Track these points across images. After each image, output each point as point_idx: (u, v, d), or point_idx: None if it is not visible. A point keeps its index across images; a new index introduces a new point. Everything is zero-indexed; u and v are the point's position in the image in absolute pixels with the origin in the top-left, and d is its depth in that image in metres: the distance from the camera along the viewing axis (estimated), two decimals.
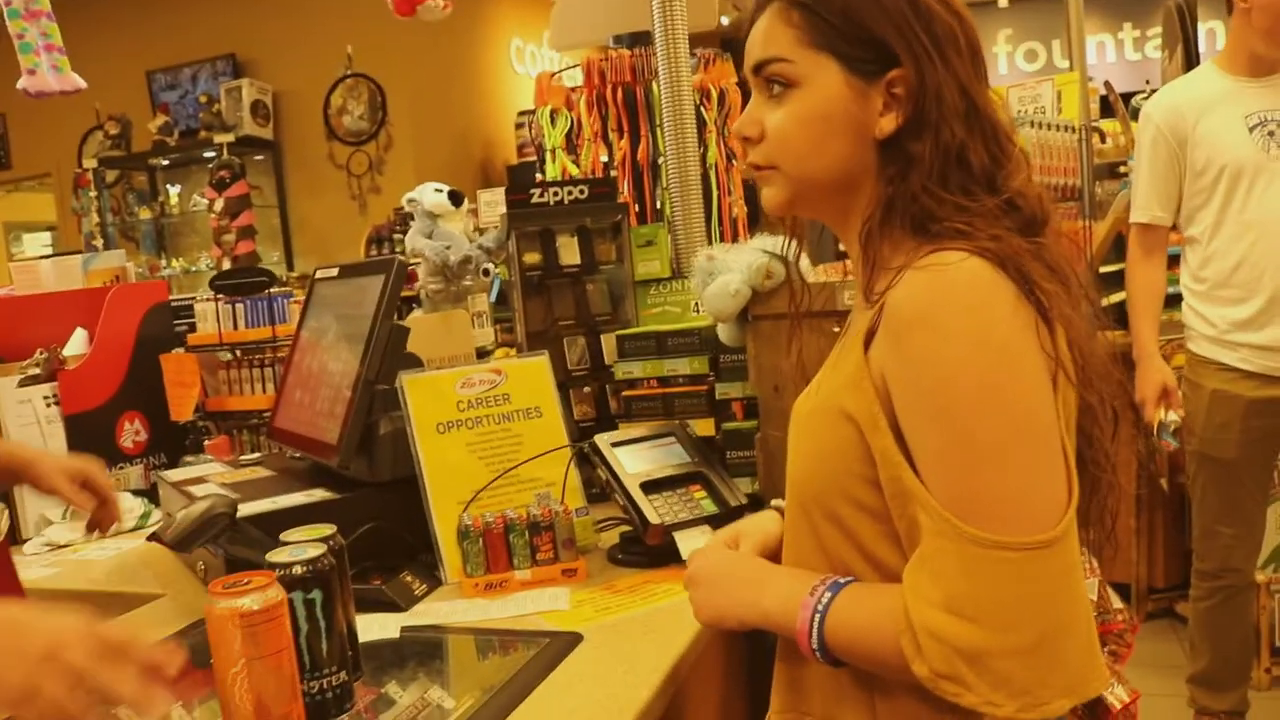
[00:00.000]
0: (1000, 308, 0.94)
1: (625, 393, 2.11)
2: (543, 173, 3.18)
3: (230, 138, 6.84)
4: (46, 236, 9.31)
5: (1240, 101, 2.77)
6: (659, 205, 2.90)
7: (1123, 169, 4.27)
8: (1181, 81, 3.00)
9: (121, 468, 2.50)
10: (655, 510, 1.64)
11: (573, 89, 3.04)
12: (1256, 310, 2.76)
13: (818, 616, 1.03)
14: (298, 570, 1.16)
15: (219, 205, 6.58)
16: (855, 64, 1.04)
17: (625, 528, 1.76)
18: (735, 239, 2.96)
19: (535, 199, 2.26)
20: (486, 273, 2.48)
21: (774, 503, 1.33)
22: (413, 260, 2.50)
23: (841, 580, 1.05)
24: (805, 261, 1.75)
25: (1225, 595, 2.95)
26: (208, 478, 1.95)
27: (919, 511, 0.96)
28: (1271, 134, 2.74)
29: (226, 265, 6.41)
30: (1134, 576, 3.91)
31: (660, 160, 2.82)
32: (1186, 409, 2.92)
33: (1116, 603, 1.34)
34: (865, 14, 1.03)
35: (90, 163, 7.33)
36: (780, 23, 1.08)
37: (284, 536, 1.26)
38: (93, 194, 7.34)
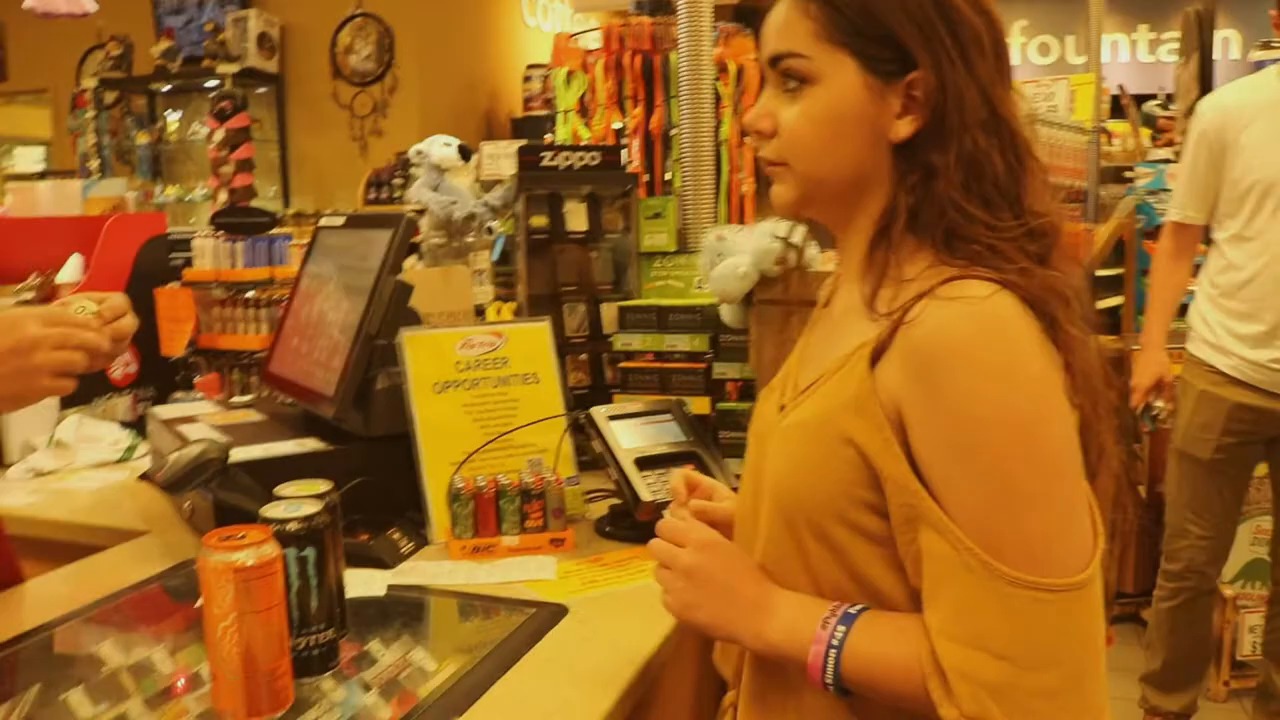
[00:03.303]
0: (1030, 347, 0.93)
1: (622, 364, 2.10)
2: (554, 134, 3.16)
3: (234, 68, 6.75)
4: (40, 153, 9.21)
5: None
6: (668, 177, 2.88)
7: (1128, 174, 4.27)
8: (1241, 83, 2.94)
9: (109, 399, 2.49)
10: (648, 487, 1.64)
11: (590, 52, 3.01)
12: (1260, 331, 2.75)
13: (833, 652, 1.00)
14: (292, 527, 1.16)
15: (219, 136, 6.48)
16: (873, 63, 1.00)
17: (615, 500, 1.76)
18: (742, 217, 2.95)
19: (546, 162, 2.24)
20: (490, 230, 2.46)
21: None
22: (416, 212, 2.48)
23: (852, 610, 1.02)
24: (814, 249, 1.75)
25: (1188, 597, 2.98)
26: (198, 418, 1.94)
27: (938, 543, 0.94)
28: None
29: (223, 197, 6.34)
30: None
31: (672, 132, 2.80)
32: (1175, 406, 2.94)
33: None
34: (886, 11, 0.99)
35: (89, 82, 7.23)
36: (798, 14, 1.03)
37: (279, 490, 1.26)
38: (90, 114, 7.25)
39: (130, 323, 1.42)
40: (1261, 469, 3.03)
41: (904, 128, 1.00)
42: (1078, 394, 0.97)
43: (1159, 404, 2.96)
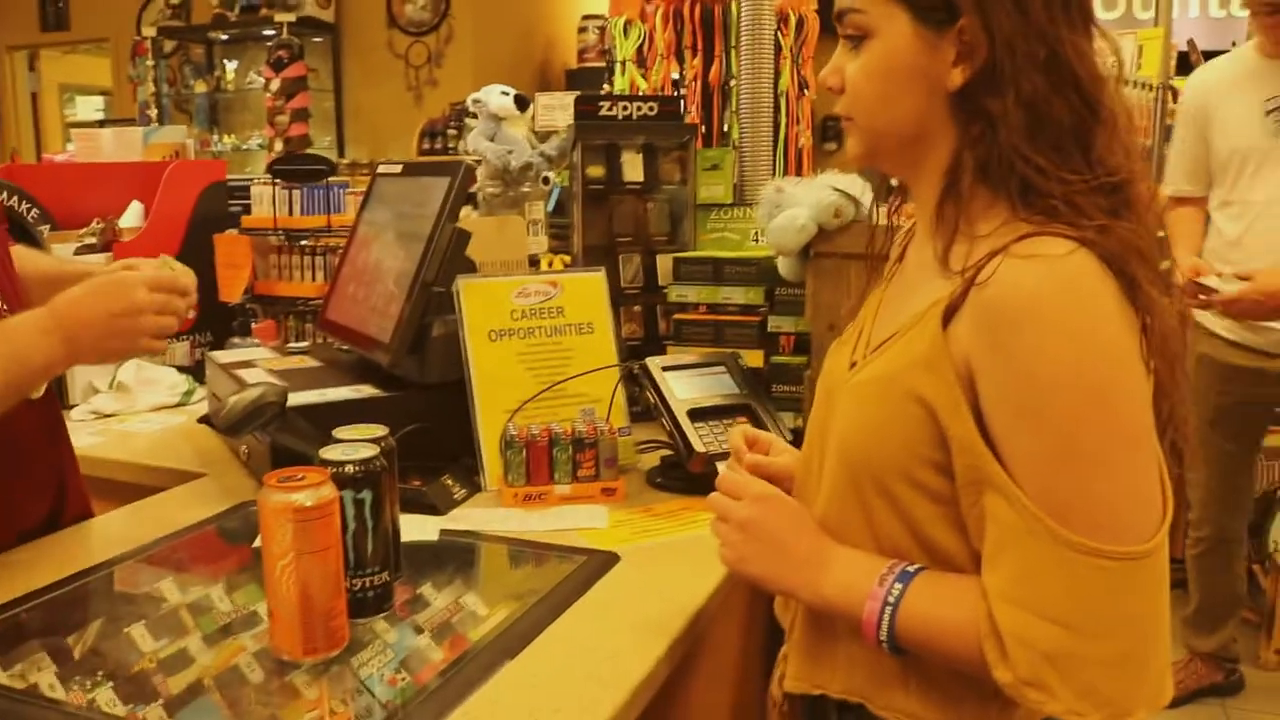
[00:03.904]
0: (1108, 307, 0.91)
1: (677, 316, 2.09)
2: (611, 84, 3.13)
3: (291, 17, 6.77)
4: (100, 101, 9.32)
5: (1265, 84, 2.85)
6: (725, 129, 2.85)
7: None
8: (1219, 60, 3.08)
9: (169, 344, 2.52)
10: (700, 439, 1.63)
11: (648, 1, 2.98)
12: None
13: (889, 609, 1.00)
14: (350, 469, 1.17)
15: (275, 85, 6.54)
16: (924, 13, 0.99)
17: (666, 451, 1.76)
18: (800, 170, 2.91)
19: (604, 112, 2.23)
20: (546, 180, 2.45)
21: None
22: (472, 160, 2.47)
23: (910, 569, 1.01)
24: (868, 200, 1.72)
25: (1207, 546, 3.15)
26: (256, 363, 1.96)
27: (1003, 507, 0.92)
28: None
29: (279, 146, 6.40)
30: None
31: (731, 83, 2.76)
32: None
33: None
34: None
35: (149, 31, 7.29)
36: None
37: (336, 434, 1.27)
38: (149, 63, 7.32)
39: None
40: None
41: (957, 76, 0.98)
42: (1154, 356, 0.94)
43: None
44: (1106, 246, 0.92)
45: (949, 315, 0.96)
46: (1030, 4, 0.96)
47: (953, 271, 0.97)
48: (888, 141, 1.06)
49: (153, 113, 7.21)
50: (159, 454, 1.94)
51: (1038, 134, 0.96)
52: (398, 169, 2.07)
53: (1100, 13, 9.13)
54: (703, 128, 2.82)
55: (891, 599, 1.00)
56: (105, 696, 1.07)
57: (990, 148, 0.98)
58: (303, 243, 2.70)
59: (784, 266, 1.92)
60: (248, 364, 1.96)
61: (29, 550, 1.45)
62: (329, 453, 1.19)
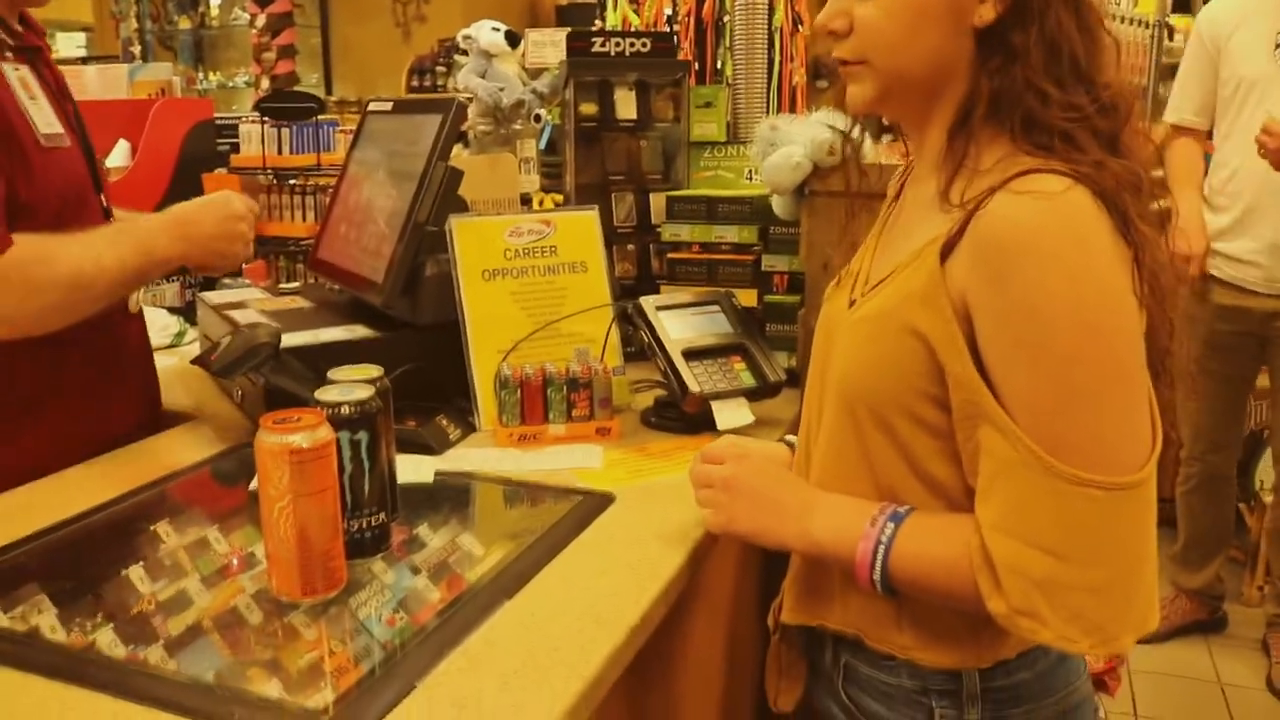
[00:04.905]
0: (1103, 243, 0.91)
1: (670, 255, 2.08)
2: (603, 20, 3.09)
3: None
4: (81, 38, 9.17)
5: (1276, 16, 2.85)
6: (719, 65, 2.81)
7: None
8: None
9: (158, 285, 2.50)
10: (695, 378, 1.63)
11: None
12: (1233, 220, 2.92)
13: (881, 549, 1.01)
14: (346, 411, 1.16)
15: (260, 21, 6.45)
16: None
17: (660, 391, 1.76)
18: (793, 108, 2.88)
19: (596, 48, 2.20)
20: (538, 118, 2.43)
21: (786, 438, 1.32)
22: (464, 98, 2.44)
23: (900, 510, 1.03)
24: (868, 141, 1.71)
25: (1196, 482, 3.21)
26: (247, 303, 1.95)
27: (997, 440, 0.93)
28: None
29: (265, 84, 6.32)
30: None
31: (725, 19, 2.73)
32: None
33: None
34: None
35: None
36: None
37: (331, 374, 1.26)
38: None
39: None
40: None
41: (988, 11, 0.97)
42: (1146, 291, 0.95)
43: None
44: (1101, 182, 0.92)
45: (946, 251, 0.96)
46: None
47: (952, 205, 0.97)
48: (905, 83, 1.03)
49: (136, 49, 7.11)
50: None
51: (1050, 66, 0.96)
52: (388, 107, 2.04)
53: None
54: (696, 65, 2.79)
55: (884, 538, 1.01)
56: (106, 638, 1.07)
57: (1004, 81, 0.97)
58: (292, 182, 2.68)
59: (778, 205, 1.90)
60: (239, 305, 1.94)
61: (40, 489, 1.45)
62: (325, 394, 1.18)
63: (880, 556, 1.01)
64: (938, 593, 1.02)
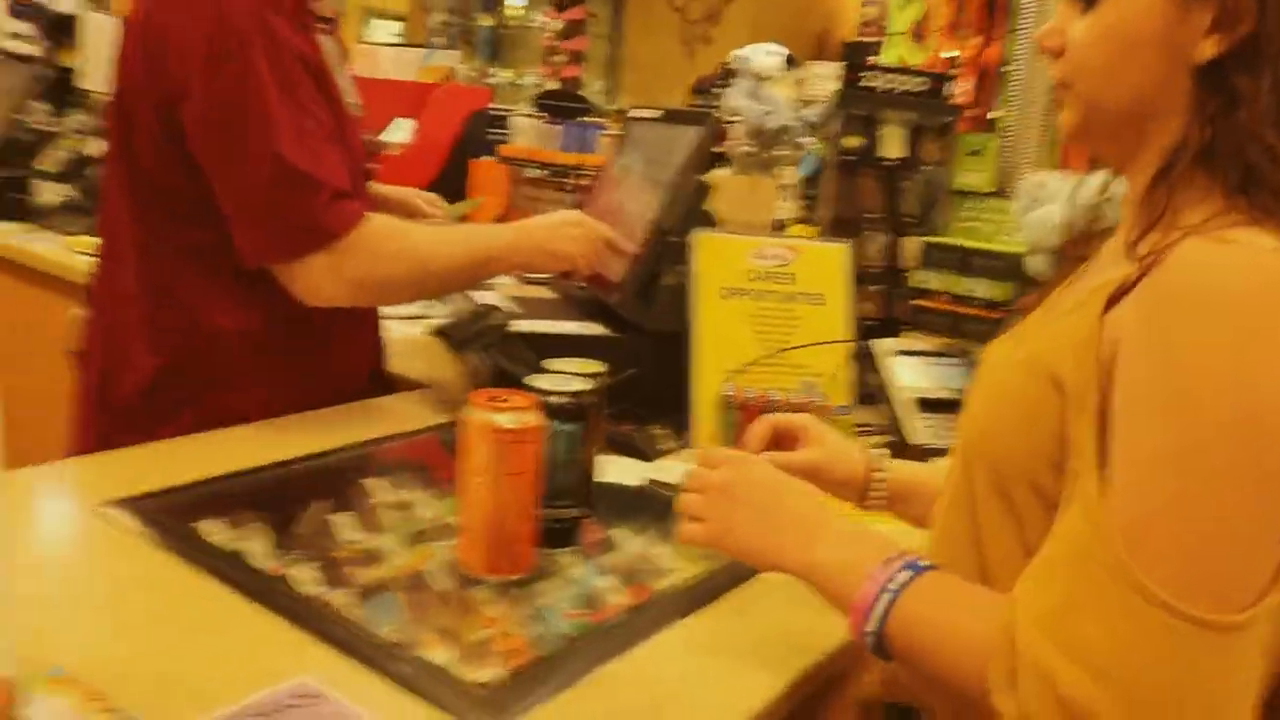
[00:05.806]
0: None
1: (916, 301, 2.02)
2: (880, 58, 3.04)
3: None
4: (396, 26, 9.76)
5: None
6: (992, 115, 2.72)
7: None
8: None
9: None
10: (921, 429, 1.57)
11: None
12: None
13: (886, 595, 0.87)
14: (556, 400, 1.17)
15: (556, 25, 6.69)
16: None
17: (887, 437, 1.70)
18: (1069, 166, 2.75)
19: (866, 81, 2.16)
20: (799, 145, 2.40)
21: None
22: (730, 118, 2.45)
23: (922, 561, 0.89)
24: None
25: None
26: (495, 286, 2.01)
27: (1079, 524, 0.77)
28: None
29: (551, 85, 6.55)
30: None
31: (1006, 68, 2.63)
32: None
33: None
34: None
35: None
36: None
37: (547, 364, 1.28)
38: None
39: None
40: None
41: (1209, 47, 0.82)
42: None
43: None
44: None
45: (1116, 297, 0.82)
46: None
47: (1136, 256, 0.82)
48: (1106, 116, 0.90)
49: (439, 41, 7.51)
50: (393, 361, 2.02)
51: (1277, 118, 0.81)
52: (650, 114, 2.07)
53: None
54: (971, 111, 2.70)
55: (893, 585, 0.87)
56: (301, 574, 1.12)
57: (1222, 129, 0.82)
58: (559, 178, 2.75)
59: (1034, 263, 1.81)
60: (488, 288, 2.01)
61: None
62: (536, 381, 1.20)
63: (884, 604, 0.87)
64: (938, 668, 0.86)
